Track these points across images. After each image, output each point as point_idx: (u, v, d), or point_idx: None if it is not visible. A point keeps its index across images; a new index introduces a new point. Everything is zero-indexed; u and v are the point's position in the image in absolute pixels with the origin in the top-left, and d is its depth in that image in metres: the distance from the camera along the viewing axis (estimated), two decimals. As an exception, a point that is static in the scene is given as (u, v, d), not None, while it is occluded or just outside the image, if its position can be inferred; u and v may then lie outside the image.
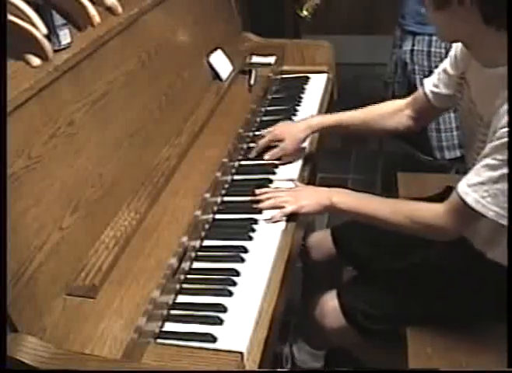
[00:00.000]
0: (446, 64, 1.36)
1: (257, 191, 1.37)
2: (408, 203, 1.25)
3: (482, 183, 1.08)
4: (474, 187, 1.09)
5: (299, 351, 1.74)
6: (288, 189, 1.39)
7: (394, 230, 1.25)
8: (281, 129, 1.55)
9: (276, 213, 1.30)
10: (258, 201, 1.34)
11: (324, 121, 1.55)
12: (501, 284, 1.22)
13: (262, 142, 1.55)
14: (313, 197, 1.33)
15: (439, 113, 1.44)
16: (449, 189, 1.20)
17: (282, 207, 1.31)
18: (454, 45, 1.33)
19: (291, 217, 1.32)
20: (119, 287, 1.02)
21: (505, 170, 1.05)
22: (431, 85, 1.41)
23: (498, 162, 1.06)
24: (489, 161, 1.07)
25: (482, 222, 1.16)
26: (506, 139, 1.03)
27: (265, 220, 1.29)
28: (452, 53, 1.33)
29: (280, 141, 1.52)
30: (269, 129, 1.58)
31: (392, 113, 1.52)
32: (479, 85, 1.21)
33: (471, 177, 1.11)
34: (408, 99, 1.52)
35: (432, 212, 1.19)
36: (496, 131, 1.06)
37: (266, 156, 1.52)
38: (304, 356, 1.73)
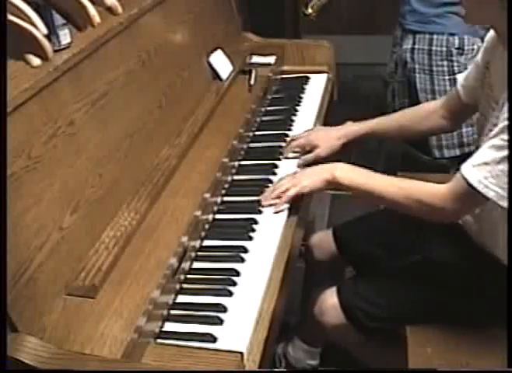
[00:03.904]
0: (477, 56, 1.37)
1: (264, 201, 1.35)
2: (412, 183, 1.23)
3: (486, 163, 1.09)
4: (478, 167, 1.10)
5: (294, 349, 1.73)
6: (289, 175, 1.39)
7: (395, 208, 1.25)
8: (316, 135, 1.55)
9: (281, 200, 1.30)
10: (266, 198, 1.34)
11: (360, 130, 1.55)
12: (502, 284, 1.23)
13: (295, 144, 1.54)
14: (315, 174, 1.32)
15: (470, 111, 1.44)
16: None
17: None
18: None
19: (292, 214, 1.32)
20: (119, 287, 1.02)
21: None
22: (462, 78, 1.43)
23: (503, 143, 1.06)
24: (495, 141, 1.08)
25: (487, 214, 1.16)
26: None
27: (263, 215, 1.29)
28: (483, 45, 1.35)
29: (314, 146, 1.52)
30: (303, 133, 1.57)
31: (426, 115, 1.53)
32: (501, 70, 1.21)
33: (476, 157, 1.11)
34: (441, 100, 1.53)
35: (434, 192, 1.18)
36: (505, 112, 1.06)
37: (299, 161, 1.51)
38: (299, 354, 1.72)
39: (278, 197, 1.32)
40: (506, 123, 1.06)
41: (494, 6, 1.11)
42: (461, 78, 1.44)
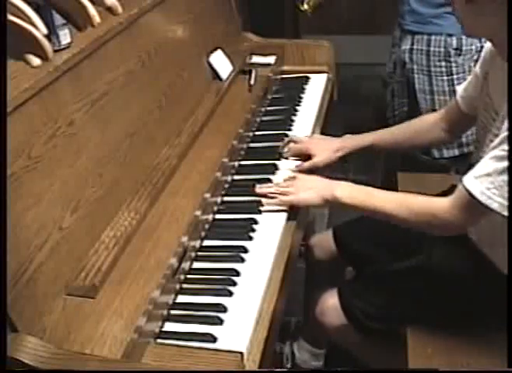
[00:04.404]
0: (476, 67, 1.37)
1: (257, 188, 1.36)
2: (413, 198, 1.22)
3: (489, 175, 1.08)
4: (480, 179, 1.09)
5: (299, 350, 1.74)
6: (290, 178, 1.38)
7: (399, 224, 1.24)
8: (315, 144, 1.53)
9: (274, 200, 1.31)
10: (260, 196, 1.33)
11: (359, 144, 1.55)
12: (502, 284, 1.23)
13: (293, 150, 1.53)
14: (315, 190, 1.31)
15: (470, 122, 1.43)
16: (453, 188, 1.20)
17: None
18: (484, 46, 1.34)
19: (291, 214, 1.32)
20: (119, 287, 1.02)
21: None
22: (461, 89, 1.43)
23: (504, 153, 1.05)
24: (496, 152, 1.07)
25: (487, 222, 1.15)
26: None
27: (262, 214, 1.29)
28: (482, 55, 1.34)
29: (312, 155, 1.50)
30: (302, 138, 1.56)
31: (426, 128, 1.52)
32: (499, 80, 1.21)
33: (478, 169, 1.10)
34: (441, 112, 1.52)
35: (437, 206, 1.17)
36: (506, 122, 1.06)
37: (295, 168, 1.49)
38: (304, 355, 1.73)
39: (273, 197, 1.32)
40: (506, 133, 1.05)
41: (491, 19, 1.11)
42: (460, 89, 1.44)
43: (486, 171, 1.08)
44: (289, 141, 1.56)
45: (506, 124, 1.06)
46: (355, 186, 1.31)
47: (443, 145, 2.09)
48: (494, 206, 1.08)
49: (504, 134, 1.06)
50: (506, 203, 1.07)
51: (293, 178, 1.39)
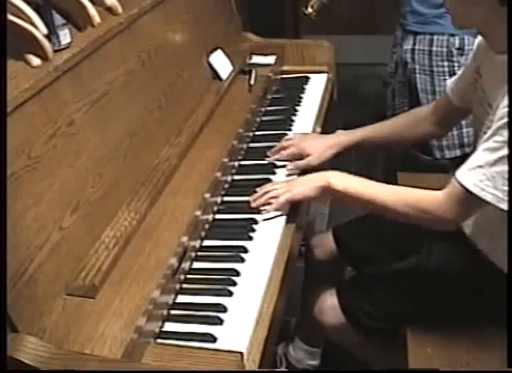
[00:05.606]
0: (468, 60, 1.37)
1: (257, 190, 1.36)
2: (409, 190, 1.22)
3: (480, 166, 1.08)
4: (472, 171, 1.09)
5: (295, 350, 1.74)
6: (284, 181, 1.38)
7: (393, 216, 1.24)
8: (308, 143, 1.52)
9: (272, 206, 1.30)
10: (255, 199, 1.33)
11: (352, 139, 1.54)
12: (502, 284, 1.23)
13: (286, 154, 1.51)
14: (308, 182, 1.31)
15: (461, 115, 1.45)
16: None
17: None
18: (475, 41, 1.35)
19: (291, 214, 1.31)
20: (119, 287, 1.02)
21: (504, 151, 1.05)
22: (452, 82, 1.43)
23: (497, 144, 1.06)
24: (488, 144, 1.08)
25: (486, 219, 1.15)
26: (505, 119, 1.04)
27: (262, 216, 1.29)
28: (474, 48, 1.34)
29: (306, 155, 1.49)
30: (295, 138, 1.56)
31: (417, 122, 1.52)
32: (491, 73, 1.21)
33: (471, 161, 1.11)
34: (431, 106, 1.52)
35: (432, 199, 1.17)
36: (498, 113, 1.06)
37: (290, 166, 1.48)
38: (300, 354, 1.73)
39: (269, 203, 1.31)
40: (498, 124, 1.05)
41: (481, 10, 1.11)
42: (450, 82, 1.44)
43: (478, 163, 1.09)
44: (279, 149, 1.52)
45: (497, 116, 1.06)
46: (352, 176, 1.30)
47: (444, 146, 2.09)
48: (488, 198, 1.08)
49: (496, 125, 1.06)
50: (500, 194, 1.07)
51: (286, 181, 1.38)
